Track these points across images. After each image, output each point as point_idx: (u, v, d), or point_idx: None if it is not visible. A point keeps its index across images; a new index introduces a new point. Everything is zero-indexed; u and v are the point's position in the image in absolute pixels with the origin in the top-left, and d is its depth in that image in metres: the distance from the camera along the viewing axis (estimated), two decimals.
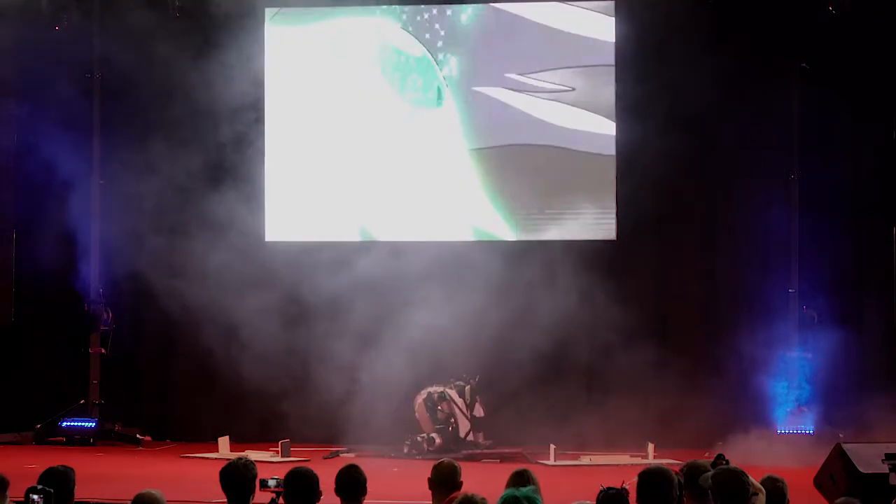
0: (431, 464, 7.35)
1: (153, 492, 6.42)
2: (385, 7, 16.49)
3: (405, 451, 14.81)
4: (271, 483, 6.66)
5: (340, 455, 14.63)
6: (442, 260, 15.65)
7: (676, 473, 6.55)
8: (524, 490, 5.38)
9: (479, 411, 15.07)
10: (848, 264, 15.81)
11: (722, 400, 15.47)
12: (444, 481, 7.07)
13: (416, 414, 15.01)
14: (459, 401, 14.95)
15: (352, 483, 6.82)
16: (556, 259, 15.65)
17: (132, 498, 6.43)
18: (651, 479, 6.29)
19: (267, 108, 16.60)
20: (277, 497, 6.64)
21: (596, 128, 16.12)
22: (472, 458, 14.19)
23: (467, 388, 15.06)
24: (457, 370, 15.29)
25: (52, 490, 6.29)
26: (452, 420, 14.86)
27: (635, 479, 6.57)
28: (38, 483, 6.53)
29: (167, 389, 17.01)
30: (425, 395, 14.96)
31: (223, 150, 16.39)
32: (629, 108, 15.78)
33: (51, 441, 16.21)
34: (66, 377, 16.81)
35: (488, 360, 15.42)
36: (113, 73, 16.71)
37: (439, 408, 14.89)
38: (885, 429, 13.71)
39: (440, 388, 14.97)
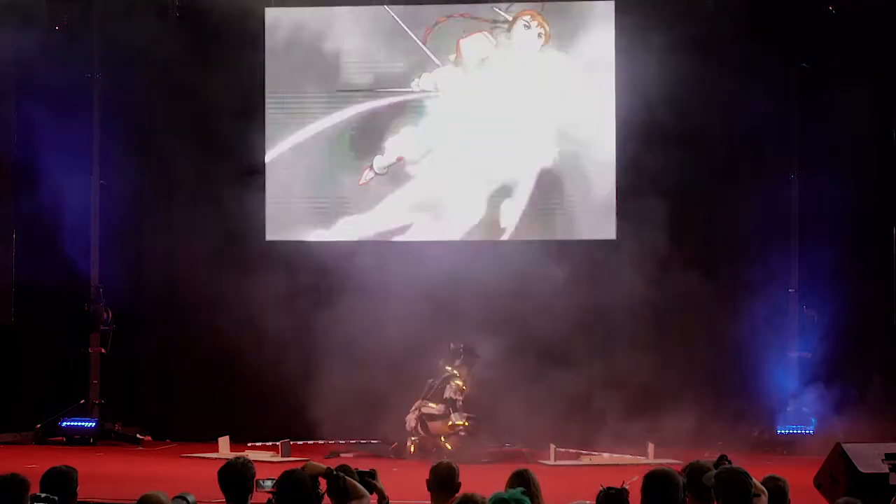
0: (431, 464, 7.34)
1: (158, 493, 6.37)
2: (384, 6, 16.50)
3: (410, 446, 14.82)
4: (267, 484, 6.63)
5: (340, 455, 14.62)
6: (441, 259, 15.65)
7: (679, 473, 6.54)
8: (512, 492, 5.36)
9: (449, 392, 14.97)
10: (848, 265, 15.81)
11: (722, 400, 15.49)
12: (443, 483, 7.05)
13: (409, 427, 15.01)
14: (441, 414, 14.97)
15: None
16: (556, 258, 15.65)
17: (136, 499, 6.38)
18: (657, 481, 6.27)
19: (267, 108, 16.59)
20: (274, 497, 6.62)
21: (596, 128, 16.14)
22: (471, 459, 14.17)
23: (455, 381, 15.02)
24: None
25: (56, 498, 6.28)
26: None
27: (636, 478, 6.56)
28: (41, 483, 6.52)
29: (167, 389, 17.00)
30: (417, 415, 14.98)
31: (223, 149, 16.38)
32: (629, 109, 15.77)
33: (51, 441, 16.21)
34: (66, 377, 16.81)
35: (488, 360, 15.39)
36: (113, 73, 16.71)
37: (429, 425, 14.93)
38: (886, 429, 13.72)
39: (431, 409, 14.93)
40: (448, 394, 14.91)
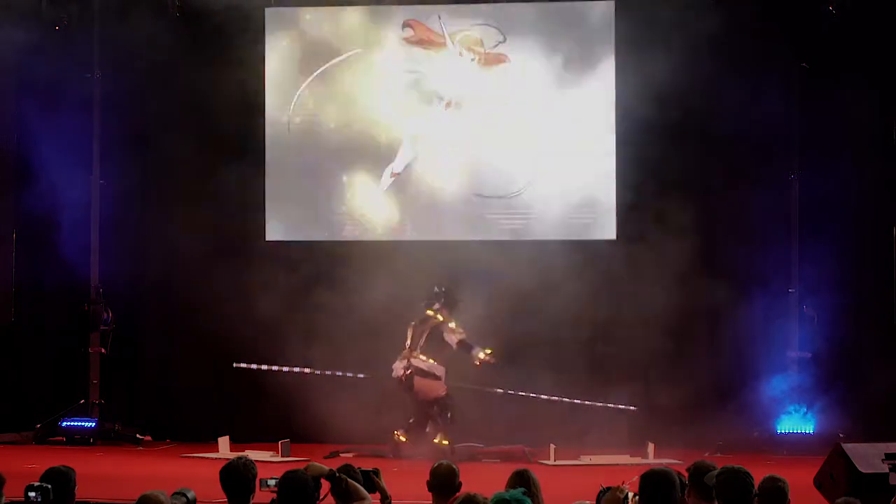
0: (432, 463, 7.35)
1: (158, 493, 6.36)
2: (385, 7, 16.50)
3: (401, 441, 14.76)
4: (271, 483, 6.63)
5: (340, 455, 14.62)
6: (442, 259, 15.65)
7: (680, 474, 6.55)
8: (514, 492, 5.35)
9: (453, 339, 14.83)
10: (848, 264, 15.81)
11: (722, 400, 15.49)
12: (443, 484, 7.06)
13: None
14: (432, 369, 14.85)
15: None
16: (557, 258, 15.64)
17: (135, 499, 6.38)
18: (654, 480, 6.28)
19: (267, 107, 16.59)
20: (278, 497, 6.61)
21: (596, 127, 16.14)
22: (472, 459, 14.19)
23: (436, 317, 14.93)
24: (456, 367, 15.22)
25: (49, 486, 6.28)
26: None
27: (635, 478, 6.57)
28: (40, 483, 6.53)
29: (167, 389, 17.00)
30: (405, 364, 14.82)
31: (223, 148, 16.38)
32: (629, 109, 15.77)
33: (51, 441, 16.21)
34: (66, 377, 16.81)
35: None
36: (113, 73, 16.71)
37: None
38: (886, 429, 13.71)
39: (421, 362, 14.79)
40: (453, 340, 14.75)
